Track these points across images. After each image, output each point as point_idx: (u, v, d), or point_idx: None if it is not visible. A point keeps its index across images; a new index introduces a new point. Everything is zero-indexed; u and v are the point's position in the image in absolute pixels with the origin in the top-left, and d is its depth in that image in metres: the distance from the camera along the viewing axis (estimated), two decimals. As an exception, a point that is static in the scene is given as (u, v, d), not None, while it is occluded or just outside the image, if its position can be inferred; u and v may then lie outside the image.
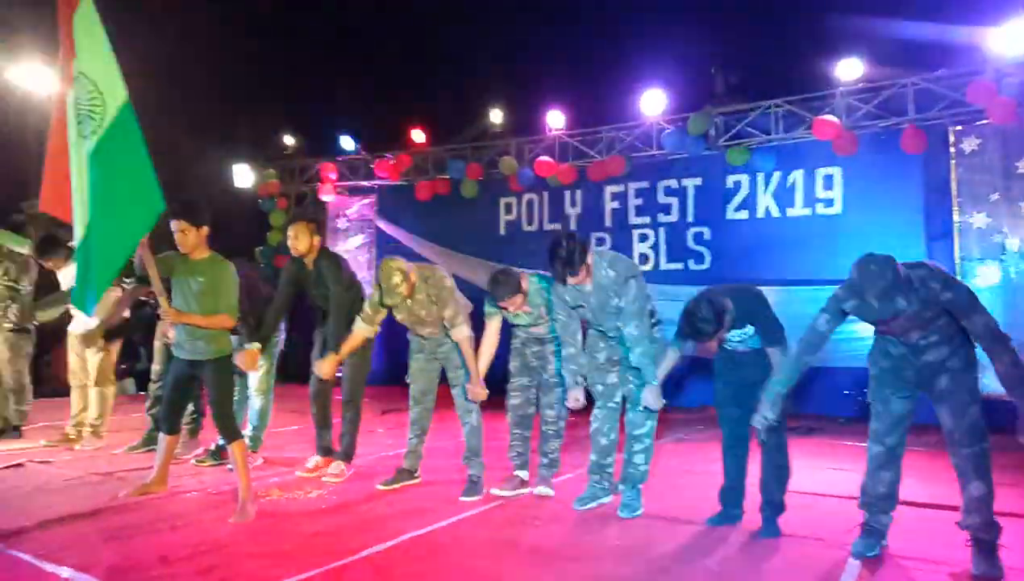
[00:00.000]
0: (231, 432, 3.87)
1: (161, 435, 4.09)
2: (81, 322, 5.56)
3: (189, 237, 3.79)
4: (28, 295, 6.00)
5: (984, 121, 6.95)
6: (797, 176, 8.10)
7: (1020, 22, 6.52)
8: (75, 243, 3.68)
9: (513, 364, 4.29)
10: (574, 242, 3.66)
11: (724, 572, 3.05)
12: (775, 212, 8.23)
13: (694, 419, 7.27)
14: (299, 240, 4.61)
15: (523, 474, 4.29)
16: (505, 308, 4.06)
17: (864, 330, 3.56)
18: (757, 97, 8.15)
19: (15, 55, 11.50)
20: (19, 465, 4.84)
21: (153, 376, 5.50)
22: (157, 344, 5.45)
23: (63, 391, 6.70)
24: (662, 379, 3.74)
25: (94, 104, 3.57)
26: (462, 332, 4.11)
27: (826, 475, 4.79)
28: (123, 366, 8.38)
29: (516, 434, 4.30)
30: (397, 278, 4.05)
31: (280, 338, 5.22)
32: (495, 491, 4.16)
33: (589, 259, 3.73)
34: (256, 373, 4.94)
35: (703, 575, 3.01)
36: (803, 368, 3.26)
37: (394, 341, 11.13)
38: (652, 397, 3.71)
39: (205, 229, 3.85)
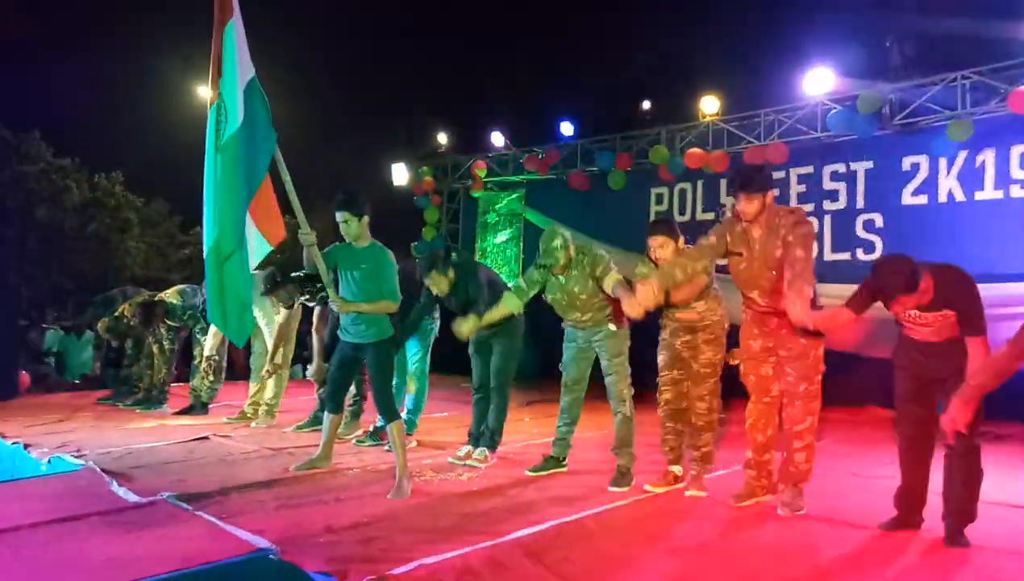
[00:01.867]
0: (390, 413, 4.02)
1: (325, 414, 4.34)
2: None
3: (352, 226, 4.02)
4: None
5: None
6: (988, 155, 7.27)
7: None
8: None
9: (662, 357, 4.12)
10: (760, 172, 3.61)
11: (902, 581, 2.78)
12: (959, 196, 7.44)
13: (858, 420, 6.74)
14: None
15: (676, 469, 4.14)
16: (654, 259, 3.99)
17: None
18: (939, 70, 7.40)
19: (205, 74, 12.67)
20: (205, 438, 5.32)
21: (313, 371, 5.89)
22: (315, 338, 5.79)
23: (241, 375, 7.32)
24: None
25: (220, 121, 3.76)
26: (613, 278, 4.08)
27: (1021, 486, 4.26)
28: (296, 352, 8.99)
29: (668, 427, 4.14)
30: (558, 241, 4.16)
31: (435, 325, 5.38)
32: (647, 487, 4.04)
33: (769, 197, 3.57)
34: (414, 357, 5.16)
35: (877, 583, 2.75)
36: (1011, 374, 2.84)
37: (543, 334, 11.23)
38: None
39: (366, 218, 4.06)
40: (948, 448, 3.21)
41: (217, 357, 6.45)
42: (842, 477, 4.44)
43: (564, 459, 4.48)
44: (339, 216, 4.02)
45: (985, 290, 3.26)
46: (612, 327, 4.25)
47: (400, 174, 11.99)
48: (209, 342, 6.32)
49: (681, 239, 4.05)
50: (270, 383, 6.07)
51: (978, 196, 7.34)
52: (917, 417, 3.34)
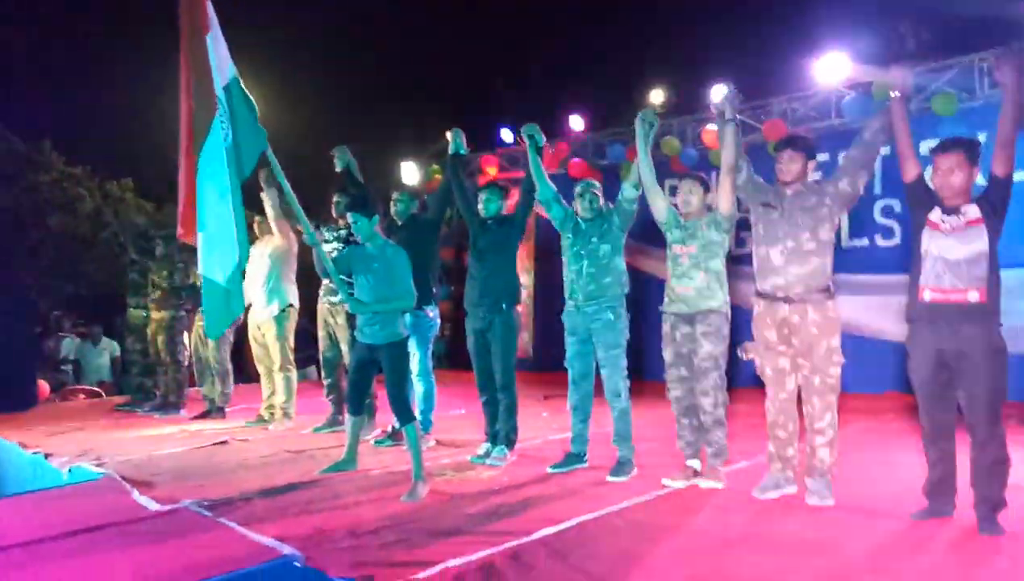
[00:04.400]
0: (405, 414, 3.99)
1: (348, 416, 4.30)
2: (262, 309, 6.03)
3: (363, 227, 4.06)
4: None
5: None
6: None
7: None
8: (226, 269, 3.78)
9: (667, 353, 4.07)
10: (807, 137, 3.97)
11: (940, 571, 2.72)
12: (980, 180, 7.29)
13: (881, 407, 6.65)
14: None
15: (695, 464, 4.07)
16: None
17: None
18: (955, 54, 7.26)
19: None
20: (224, 443, 5.32)
21: (322, 364, 5.90)
22: (321, 333, 5.80)
23: (255, 378, 7.30)
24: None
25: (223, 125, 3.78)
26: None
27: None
28: (309, 354, 9.00)
29: (683, 424, 4.09)
30: (597, 182, 4.47)
31: (436, 322, 5.32)
32: (666, 481, 3.97)
33: (811, 166, 3.73)
34: (415, 358, 5.07)
35: (914, 574, 2.70)
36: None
37: (548, 327, 11.17)
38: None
39: (376, 218, 4.10)
40: (972, 435, 3.15)
41: (218, 363, 6.46)
42: (870, 466, 4.38)
43: (584, 455, 4.44)
44: (349, 218, 4.08)
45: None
46: (611, 316, 4.22)
47: (410, 172, 11.95)
48: (211, 350, 6.42)
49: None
50: (280, 385, 6.05)
51: (981, 181, 7.19)
52: (938, 402, 3.25)
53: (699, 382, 3.96)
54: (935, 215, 3.21)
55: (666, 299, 4.09)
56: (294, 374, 6.17)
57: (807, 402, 3.65)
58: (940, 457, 3.29)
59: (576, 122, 10.12)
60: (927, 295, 3.20)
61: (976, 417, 3.12)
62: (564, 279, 4.43)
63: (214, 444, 5.23)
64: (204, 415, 6.45)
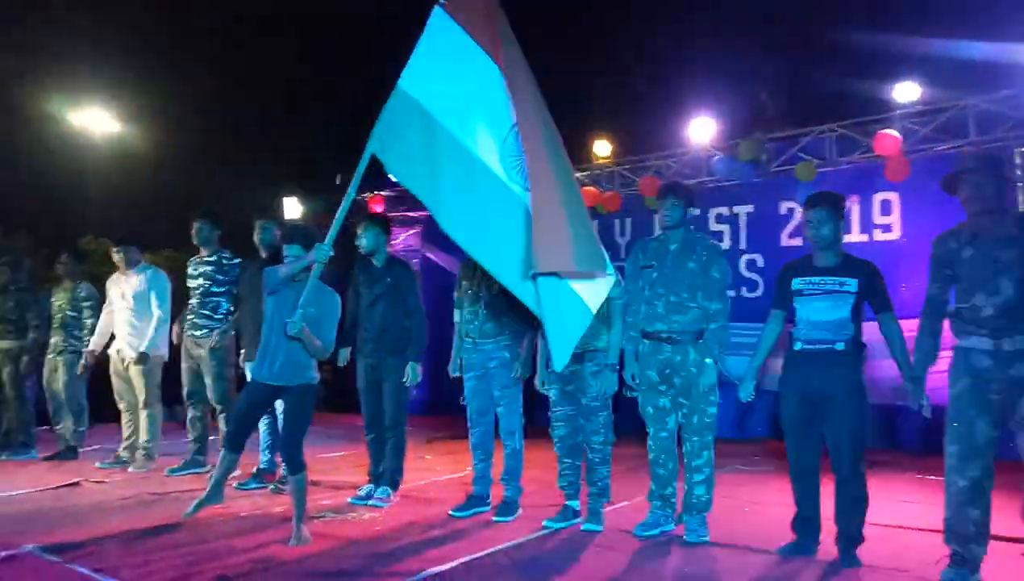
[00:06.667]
0: (299, 462, 3.66)
1: (225, 452, 3.84)
2: (126, 344, 5.62)
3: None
4: (92, 319, 6.03)
5: (1052, 141, 6.69)
6: (853, 202, 7.88)
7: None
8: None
9: (553, 391, 4.11)
10: (686, 185, 4.11)
11: (804, 602, 2.87)
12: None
13: (752, 451, 7.00)
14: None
15: (575, 504, 4.11)
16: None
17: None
18: (810, 122, 7.99)
19: (76, 99, 11.91)
20: (75, 484, 4.86)
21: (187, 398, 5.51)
22: (184, 365, 5.47)
23: (111, 417, 6.71)
24: (759, 366, 3.69)
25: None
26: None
27: (900, 508, 4.53)
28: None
29: (566, 463, 4.12)
30: None
31: None
32: (547, 523, 3.97)
33: (689, 214, 3.87)
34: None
35: (782, 604, 2.83)
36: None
37: (437, 369, 11.05)
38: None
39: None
40: (837, 475, 3.38)
41: (72, 399, 5.95)
42: (743, 504, 4.58)
43: (488, 497, 4.31)
44: (287, 251, 3.88)
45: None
46: (507, 355, 4.22)
47: (292, 208, 11.63)
48: (64, 385, 5.89)
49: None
50: (144, 424, 5.62)
51: (847, 239, 7.86)
52: (806, 446, 3.48)
53: (588, 421, 4.01)
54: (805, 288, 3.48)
55: None
56: (159, 412, 5.75)
57: (686, 440, 3.79)
58: (806, 494, 3.51)
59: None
60: (798, 346, 3.46)
61: (840, 455, 3.36)
62: (462, 318, 4.40)
63: (64, 486, 4.76)
64: (56, 456, 5.88)
